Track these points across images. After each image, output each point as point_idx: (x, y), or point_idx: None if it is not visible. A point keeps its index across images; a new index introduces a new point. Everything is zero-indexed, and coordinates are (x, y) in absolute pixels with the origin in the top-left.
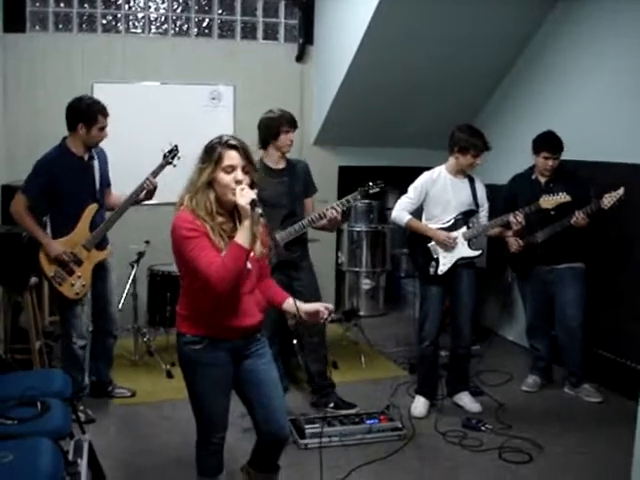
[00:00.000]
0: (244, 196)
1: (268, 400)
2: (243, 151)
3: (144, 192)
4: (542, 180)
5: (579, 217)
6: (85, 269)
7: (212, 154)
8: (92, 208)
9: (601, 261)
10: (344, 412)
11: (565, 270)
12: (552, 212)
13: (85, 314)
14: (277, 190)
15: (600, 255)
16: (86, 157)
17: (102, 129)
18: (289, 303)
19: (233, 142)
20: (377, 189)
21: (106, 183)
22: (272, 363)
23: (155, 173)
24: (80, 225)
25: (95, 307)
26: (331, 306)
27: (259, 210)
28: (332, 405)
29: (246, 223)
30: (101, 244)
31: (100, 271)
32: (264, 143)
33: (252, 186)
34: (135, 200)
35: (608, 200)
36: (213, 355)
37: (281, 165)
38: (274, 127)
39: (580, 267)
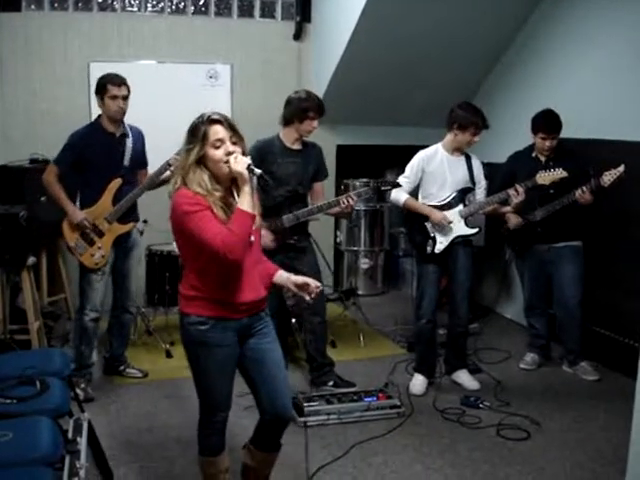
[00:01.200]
0: (239, 162)
1: (272, 379)
2: (227, 124)
3: (166, 173)
4: (542, 158)
5: (583, 192)
6: (106, 241)
7: (197, 133)
8: (116, 182)
9: (599, 239)
10: (343, 390)
11: (563, 248)
12: (551, 191)
13: (102, 286)
14: (288, 169)
15: (598, 233)
16: (118, 134)
17: (114, 98)
18: (279, 275)
19: (215, 117)
20: (389, 187)
21: (141, 163)
22: (276, 342)
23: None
24: (104, 198)
25: (115, 281)
26: (320, 284)
27: (258, 171)
28: (331, 383)
29: (246, 188)
30: (127, 219)
31: (123, 246)
32: (287, 121)
33: (244, 155)
34: (156, 181)
35: (608, 177)
36: (220, 335)
37: (296, 146)
38: (303, 110)
39: (578, 245)
